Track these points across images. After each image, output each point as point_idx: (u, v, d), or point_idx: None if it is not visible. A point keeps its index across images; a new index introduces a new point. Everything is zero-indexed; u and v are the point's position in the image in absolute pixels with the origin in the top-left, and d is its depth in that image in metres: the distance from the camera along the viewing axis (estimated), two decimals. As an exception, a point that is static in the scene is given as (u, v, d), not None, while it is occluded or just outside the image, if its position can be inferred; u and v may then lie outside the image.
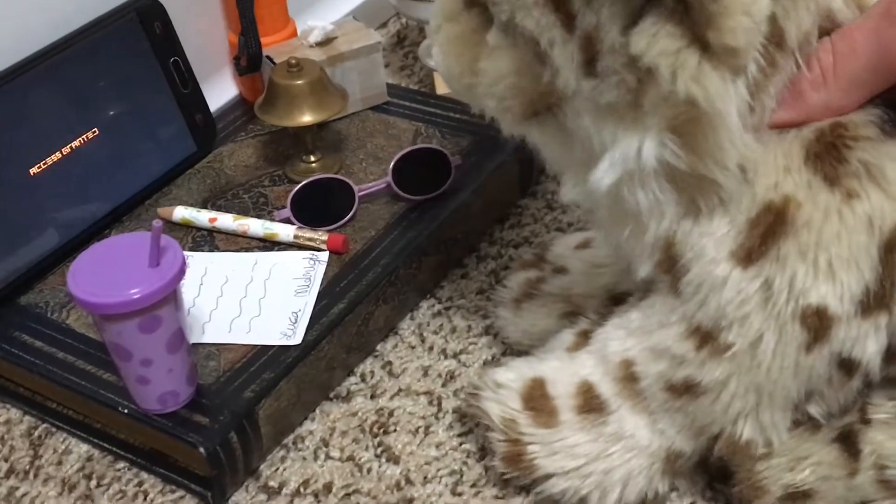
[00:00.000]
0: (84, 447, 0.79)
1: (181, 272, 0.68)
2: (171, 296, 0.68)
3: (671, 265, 0.63)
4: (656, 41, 0.54)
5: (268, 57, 1.00)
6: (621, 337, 0.68)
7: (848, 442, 0.66)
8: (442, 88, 1.10)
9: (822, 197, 0.59)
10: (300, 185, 0.88)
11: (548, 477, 0.69)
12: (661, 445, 0.68)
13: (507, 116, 0.65)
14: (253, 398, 0.74)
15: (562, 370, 0.71)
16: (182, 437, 0.72)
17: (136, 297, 0.66)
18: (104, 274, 0.68)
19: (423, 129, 1.00)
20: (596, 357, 0.70)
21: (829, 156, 0.59)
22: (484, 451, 0.76)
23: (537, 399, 0.70)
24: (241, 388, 0.75)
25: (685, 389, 0.65)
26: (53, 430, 0.80)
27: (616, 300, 0.77)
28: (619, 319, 0.70)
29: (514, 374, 0.72)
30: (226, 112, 1.05)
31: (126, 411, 0.74)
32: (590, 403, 0.69)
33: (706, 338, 0.63)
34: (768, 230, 0.59)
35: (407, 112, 1.03)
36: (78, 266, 0.69)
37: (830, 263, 0.59)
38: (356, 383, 0.83)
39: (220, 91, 1.06)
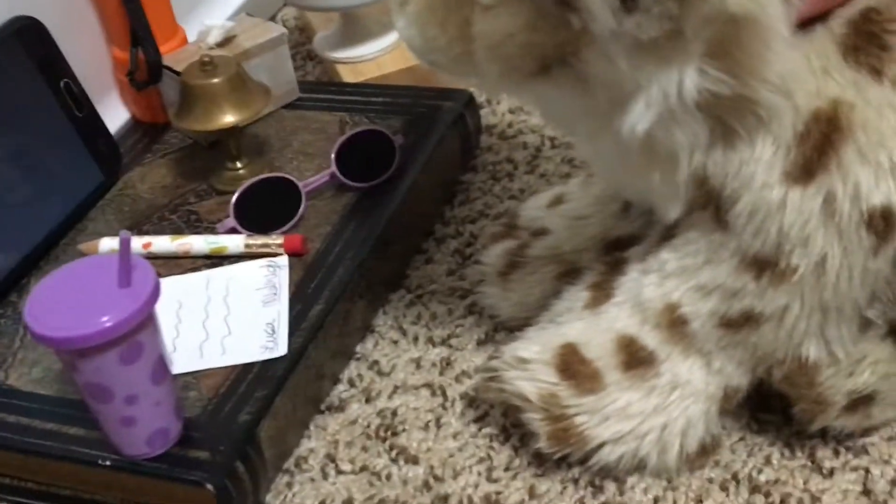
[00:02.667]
0: (54, 519, 0.68)
1: (157, 289, 0.60)
2: (149, 317, 0.60)
3: (708, 199, 0.59)
4: None
5: (166, 67, 0.91)
6: (655, 282, 0.63)
7: None
8: (349, 78, 1.03)
9: (872, 92, 0.55)
10: (241, 190, 0.80)
11: (601, 446, 0.64)
12: (719, 385, 0.64)
13: (511, 77, 0.57)
14: (251, 420, 0.66)
15: (591, 330, 0.66)
16: (183, 477, 0.63)
17: (109, 323, 0.57)
18: (68, 304, 0.59)
19: (348, 117, 0.93)
20: (628, 307, 0.65)
21: (869, 46, 0.55)
22: (507, 433, 0.70)
23: (574, 365, 0.64)
24: (234, 412, 0.66)
25: (744, 321, 0.61)
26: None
27: (612, 246, 0.73)
28: (644, 264, 0.65)
29: (538, 346, 0.66)
30: (122, 136, 0.95)
31: (108, 463, 0.64)
32: (635, 357, 0.64)
33: (764, 266, 0.59)
34: (823, 140, 0.55)
35: (324, 104, 0.96)
36: (35, 300, 0.59)
37: (892, 158, 0.55)
38: (346, 390, 0.75)
39: (111, 114, 0.95)
